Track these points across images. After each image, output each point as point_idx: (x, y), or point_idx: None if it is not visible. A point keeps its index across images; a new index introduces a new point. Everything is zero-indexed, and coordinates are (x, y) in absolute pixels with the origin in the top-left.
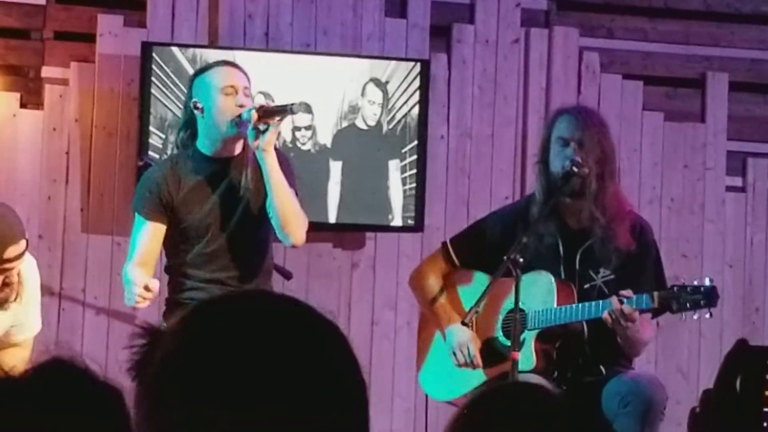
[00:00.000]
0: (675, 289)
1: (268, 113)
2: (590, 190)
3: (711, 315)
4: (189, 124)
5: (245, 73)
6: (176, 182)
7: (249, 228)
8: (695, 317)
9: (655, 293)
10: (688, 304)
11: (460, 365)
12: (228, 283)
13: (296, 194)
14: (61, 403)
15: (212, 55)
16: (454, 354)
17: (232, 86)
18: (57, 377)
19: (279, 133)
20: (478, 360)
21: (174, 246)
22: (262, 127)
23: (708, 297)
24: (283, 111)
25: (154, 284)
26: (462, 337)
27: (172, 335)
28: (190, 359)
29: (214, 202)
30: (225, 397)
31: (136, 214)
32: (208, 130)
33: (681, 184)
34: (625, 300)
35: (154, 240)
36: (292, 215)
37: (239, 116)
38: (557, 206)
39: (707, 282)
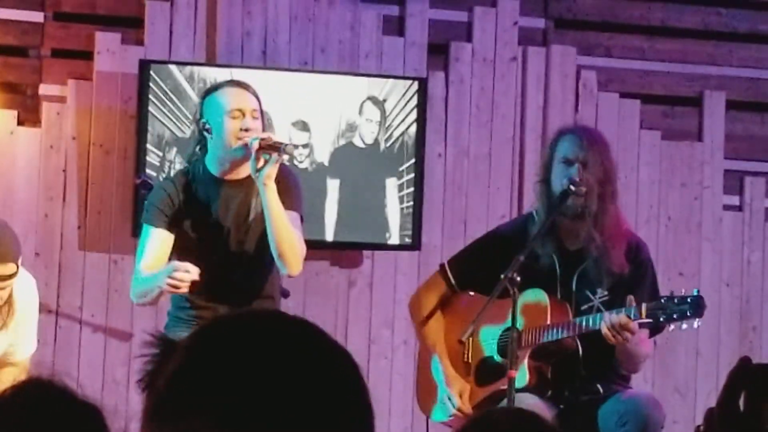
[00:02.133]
0: (662, 300)
1: (268, 146)
2: (590, 211)
3: (699, 325)
4: (200, 142)
5: (255, 95)
6: (185, 199)
7: (255, 252)
8: (684, 328)
9: (643, 304)
10: (675, 315)
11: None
12: (233, 304)
13: (301, 219)
14: (40, 422)
15: (210, 73)
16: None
17: (239, 110)
18: (36, 396)
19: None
20: (467, 408)
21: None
22: (264, 157)
23: (695, 307)
24: (278, 149)
25: (195, 269)
26: (450, 386)
27: (184, 350)
28: (200, 374)
29: (222, 223)
30: (233, 415)
31: (144, 225)
32: (216, 151)
33: (678, 202)
34: (614, 311)
35: (163, 246)
36: (289, 248)
37: (246, 144)
38: (555, 227)
39: (694, 292)
